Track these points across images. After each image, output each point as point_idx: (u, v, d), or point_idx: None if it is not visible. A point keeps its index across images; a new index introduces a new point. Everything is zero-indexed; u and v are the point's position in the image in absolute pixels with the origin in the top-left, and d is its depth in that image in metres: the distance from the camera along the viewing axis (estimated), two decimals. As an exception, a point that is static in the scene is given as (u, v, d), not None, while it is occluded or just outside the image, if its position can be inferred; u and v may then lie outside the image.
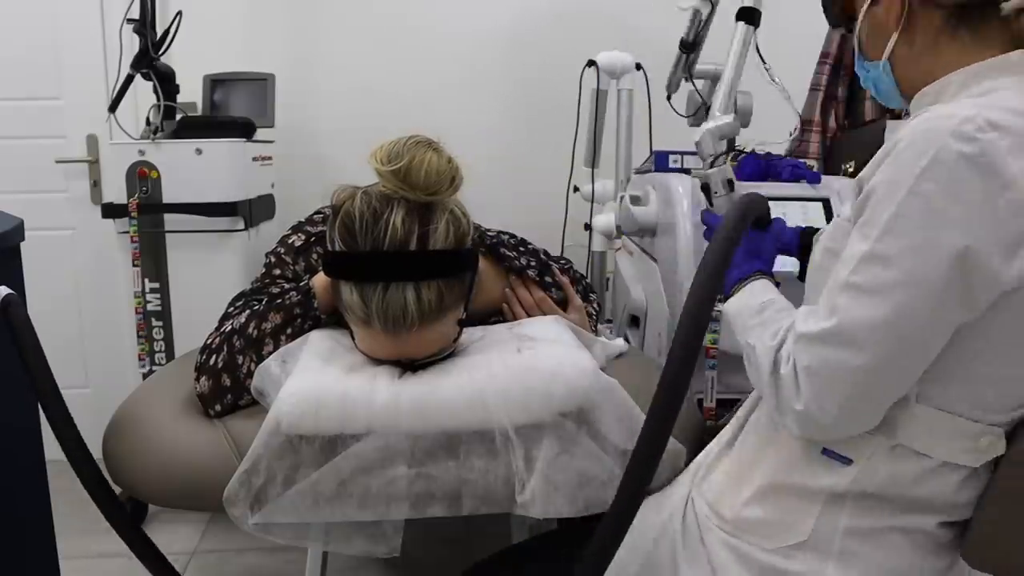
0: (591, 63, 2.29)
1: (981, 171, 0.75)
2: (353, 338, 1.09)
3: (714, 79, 2.12)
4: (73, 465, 0.98)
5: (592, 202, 2.39)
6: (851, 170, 2.12)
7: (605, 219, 2.24)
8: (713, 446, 1.06)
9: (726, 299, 1.03)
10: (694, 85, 2.13)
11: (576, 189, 2.46)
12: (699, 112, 2.11)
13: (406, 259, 1.00)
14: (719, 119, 1.42)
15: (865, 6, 0.94)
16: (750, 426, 1.01)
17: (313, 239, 1.27)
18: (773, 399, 0.87)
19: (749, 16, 1.48)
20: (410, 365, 1.06)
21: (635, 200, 1.79)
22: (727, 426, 1.07)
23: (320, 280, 1.16)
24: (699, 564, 0.96)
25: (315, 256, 1.26)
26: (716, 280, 0.80)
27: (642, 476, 0.80)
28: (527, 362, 1.04)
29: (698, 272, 0.81)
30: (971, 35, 0.87)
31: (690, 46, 2.07)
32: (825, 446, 0.89)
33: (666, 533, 1.00)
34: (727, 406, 1.64)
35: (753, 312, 0.96)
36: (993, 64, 0.85)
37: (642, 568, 1.01)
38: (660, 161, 2.02)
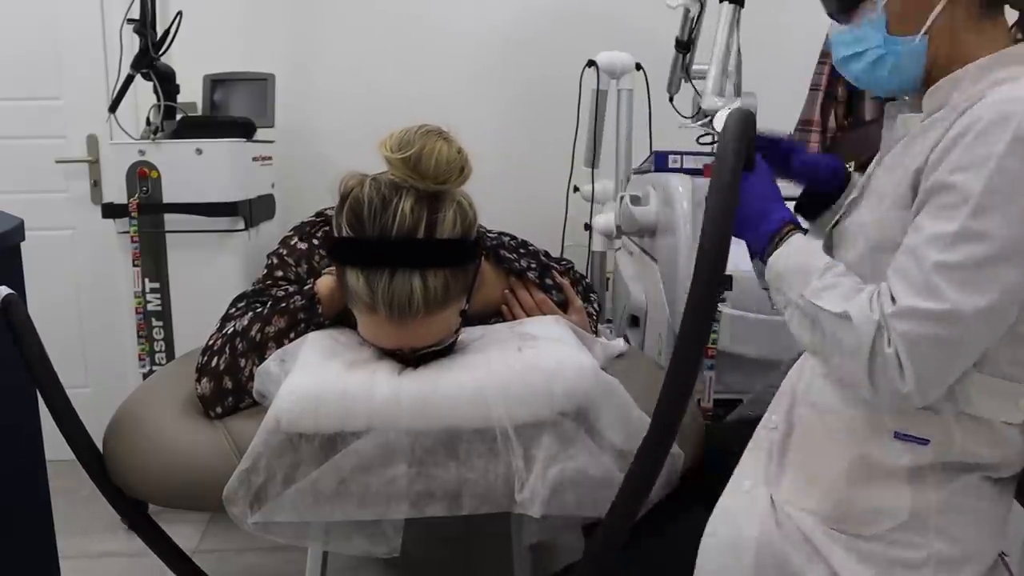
0: (591, 63, 2.28)
1: None
2: (356, 330, 1.09)
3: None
4: (79, 459, 0.98)
5: (592, 202, 2.39)
6: (851, 169, 2.12)
7: (605, 219, 2.24)
8: (769, 445, 1.03)
9: (762, 256, 0.99)
10: (693, 86, 2.13)
11: (576, 189, 2.46)
12: (699, 113, 2.10)
13: (413, 247, 1.00)
14: (730, 102, 1.47)
15: None
16: (805, 419, 1.00)
17: (315, 241, 1.27)
18: (866, 375, 0.86)
19: None
20: (411, 355, 1.06)
21: (635, 200, 1.79)
22: (771, 416, 1.05)
23: (324, 285, 1.15)
24: (814, 562, 0.94)
25: (317, 258, 1.26)
26: (729, 217, 0.88)
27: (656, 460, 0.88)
28: (528, 360, 1.04)
29: (708, 219, 0.88)
30: (999, 19, 0.90)
31: (685, 45, 2.08)
32: (897, 430, 0.91)
33: (767, 542, 0.97)
34: (726, 406, 1.64)
35: (818, 272, 0.92)
36: (1006, 57, 0.89)
37: None
38: (660, 161, 2.02)
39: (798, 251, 0.96)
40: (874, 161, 1.03)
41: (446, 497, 0.99)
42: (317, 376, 1.01)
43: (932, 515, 0.91)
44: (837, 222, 1.03)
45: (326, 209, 1.31)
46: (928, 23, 0.91)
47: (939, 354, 0.84)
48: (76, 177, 2.70)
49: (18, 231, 1.20)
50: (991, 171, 0.80)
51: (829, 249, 1.02)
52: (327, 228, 1.15)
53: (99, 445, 1.14)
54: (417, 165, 1.00)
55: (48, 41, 2.61)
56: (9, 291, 1.00)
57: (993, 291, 0.81)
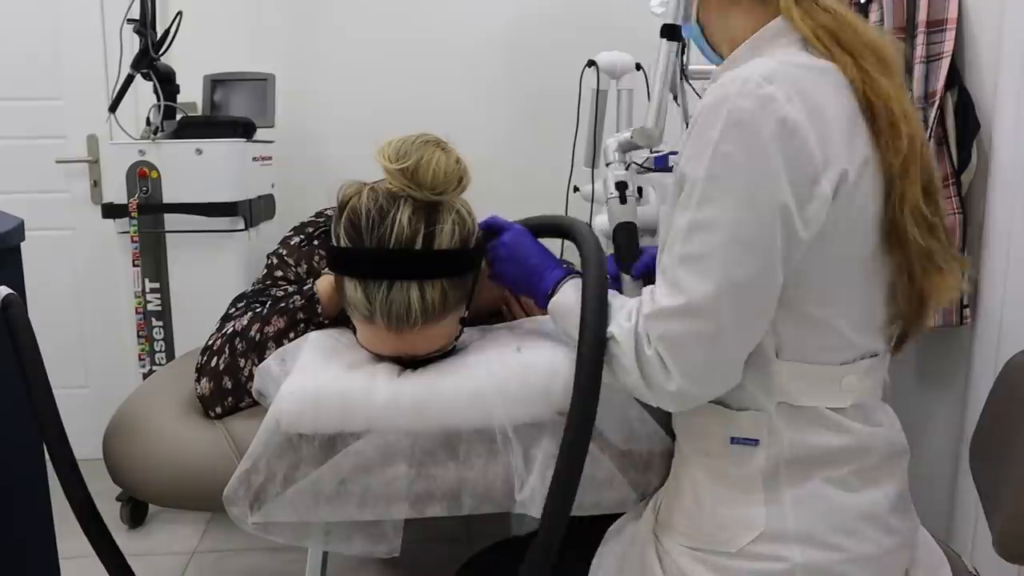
0: (591, 63, 2.28)
1: (766, 122, 0.80)
2: (355, 333, 1.09)
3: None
4: (56, 469, 0.98)
5: (592, 202, 2.39)
6: None
7: (605, 219, 2.24)
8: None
9: (546, 301, 1.04)
10: (692, 87, 2.12)
11: (576, 189, 2.46)
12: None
13: (411, 258, 1.00)
14: (621, 135, 1.41)
15: None
16: (675, 445, 1.03)
17: (315, 241, 1.27)
18: (640, 381, 0.88)
19: (671, 33, 1.43)
20: (411, 362, 1.06)
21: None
22: None
23: (324, 285, 1.15)
24: None
25: (317, 258, 1.26)
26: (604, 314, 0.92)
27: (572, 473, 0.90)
28: (527, 361, 1.04)
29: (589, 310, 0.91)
30: None
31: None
32: (731, 436, 0.92)
33: (649, 564, 0.98)
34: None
35: None
36: (767, 34, 0.91)
37: None
38: (660, 161, 2.02)
39: (569, 295, 1.00)
40: None
41: (446, 497, 0.99)
42: (317, 377, 1.01)
43: (789, 521, 0.90)
44: None
45: (326, 209, 1.31)
46: (693, 12, 0.97)
47: (698, 347, 0.85)
48: (76, 177, 2.70)
49: (18, 231, 1.20)
50: (709, 158, 0.82)
51: None
52: (327, 229, 1.15)
53: (99, 445, 1.14)
54: (415, 176, 0.99)
55: (48, 41, 2.62)
56: (9, 291, 1.00)
57: (717, 272, 0.82)
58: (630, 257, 1.25)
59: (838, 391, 0.91)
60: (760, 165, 0.81)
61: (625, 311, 0.92)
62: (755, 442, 0.91)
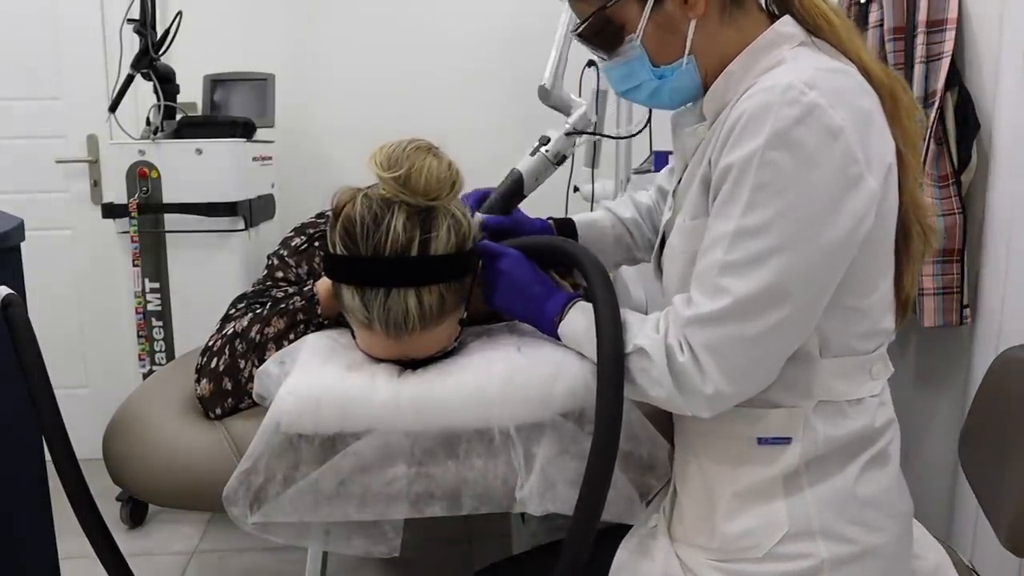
0: (591, 63, 2.28)
1: (812, 128, 0.80)
2: (353, 336, 1.09)
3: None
4: (58, 469, 0.98)
5: (592, 202, 2.39)
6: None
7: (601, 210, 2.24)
8: (673, 480, 1.06)
9: (552, 327, 1.03)
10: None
11: (576, 189, 2.46)
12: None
13: (407, 265, 1.00)
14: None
15: (647, 11, 0.91)
16: (683, 453, 1.02)
17: (316, 242, 1.27)
18: (674, 390, 0.88)
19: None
20: (411, 362, 1.06)
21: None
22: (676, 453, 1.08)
23: (324, 286, 1.15)
24: None
25: (318, 259, 1.26)
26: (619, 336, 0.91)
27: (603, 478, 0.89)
28: (528, 362, 1.03)
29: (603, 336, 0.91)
30: (746, 4, 0.93)
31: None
32: (759, 436, 0.92)
33: None
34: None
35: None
36: (763, 43, 0.91)
37: None
38: (660, 161, 2.02)
39: (579, 318, 0.99)
40: (675, 177, 1.04)
41: (446, 497, 0.99)
42: (317, 377, 1.01)
43: (813, 518, 0.91)
44: (662, 246, 1.05)
45: (327, 210, 1.31)
46: (687, 48, 0.92)
47: (743, 349, 0.85)
48: (76, 177, 2.70)
49: (18, 231, 1.20)
50: (756, 166, 0.82)
51: (659, 273, 1.06)
52: (326, 230, 1.15)
53: (99, 445, 1.14)
54: (407, 183, 0.99)
55: (48, 41, 2.62)
56: (9, 291, 1.00)
57: (765, 278, 0.83)
58: (499, 205, 1.22)
59: (868, 379, 0.93)
60: (807, 173, 0.81)
61: (651, 324, 0.92)
62: (787, 440, 0.91)
